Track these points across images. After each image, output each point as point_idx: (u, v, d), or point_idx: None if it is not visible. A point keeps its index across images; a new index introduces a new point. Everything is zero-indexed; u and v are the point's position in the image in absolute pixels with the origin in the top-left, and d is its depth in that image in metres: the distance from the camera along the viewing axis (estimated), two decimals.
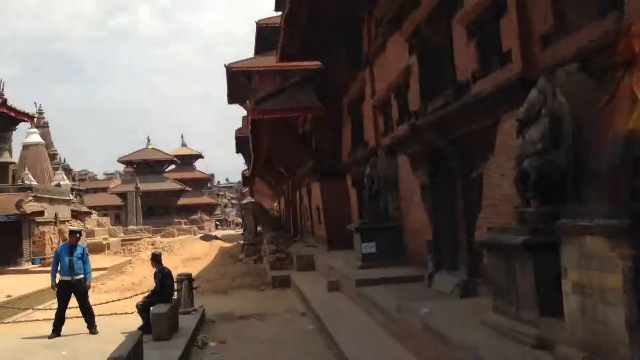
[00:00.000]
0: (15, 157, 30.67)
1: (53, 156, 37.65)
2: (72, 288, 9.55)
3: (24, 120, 28.15)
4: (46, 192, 25.99)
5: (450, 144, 8.24)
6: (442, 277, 8.44)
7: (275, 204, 40.71)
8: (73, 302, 9.61)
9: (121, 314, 11.00)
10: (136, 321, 9.14)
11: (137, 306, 9.21)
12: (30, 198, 22.95)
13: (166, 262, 10.89)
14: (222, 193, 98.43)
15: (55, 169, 35.25)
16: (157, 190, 64.92)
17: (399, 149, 11.11)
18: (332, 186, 17.40)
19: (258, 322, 10.43)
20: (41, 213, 23.11)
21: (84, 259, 9.72)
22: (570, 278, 3.88)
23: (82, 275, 9.64)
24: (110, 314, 10.91)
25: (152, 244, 33.81)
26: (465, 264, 7.92)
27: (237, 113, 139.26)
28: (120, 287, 17.63)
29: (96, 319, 9.77)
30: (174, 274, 10.09)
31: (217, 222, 76.96)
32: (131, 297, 11.95)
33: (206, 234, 52.86)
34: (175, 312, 9.05)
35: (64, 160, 43.60)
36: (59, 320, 9.40)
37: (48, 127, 39.53)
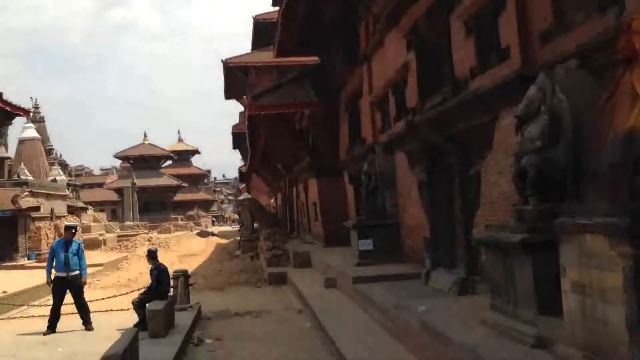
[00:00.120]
0: (11, 152, 30.57)
1: (49, 151, 37.57)
2: (67, 284, 9.48)
3: (20, 115, 28.00)
4: (42, 187, 25.89)
5: (448, 140, 8.21)
6: (439, 274, 8.41)
7: (272, 201, 40.69)
8: (68, 298, 9.55)
9: (117, 310, 10.95)
10: (132, 318, 9.09)
11: (132, 303, 9.17)
12: (26, 193, 22.86)
13: (162, 258, 10.82)
14: (218, 189, 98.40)
15: (52, 164, 35.15)
16: (154, 186, 64.82)
17: (396, 145, 11.08)
18: (329, 183, 17.37)
19: (254, 319, 10.40)
20: (37, 208, 23.02)
21: (79, 254, 9.64)
22: (570, 277, 3.85)
23: (77, 272, 9.57)
24: (106, 311, 10.85)
25: (149, 240, 33.79)
26: (463, 261, 7.90)
27: (235, 109, 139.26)
28: (116, 283, 17.59)
29: (92, 315, 9.69)
30: (170, 271, 10.03)
31: (214, 219, 76.89)
32: (127, 293, 11.89)
33: (203, 230, 52.79)
34: (171, 308, 9.01)
35: (60, 156, 43.56)
36: (55, 316, 9.34)
37: (44, 122, 39.45)
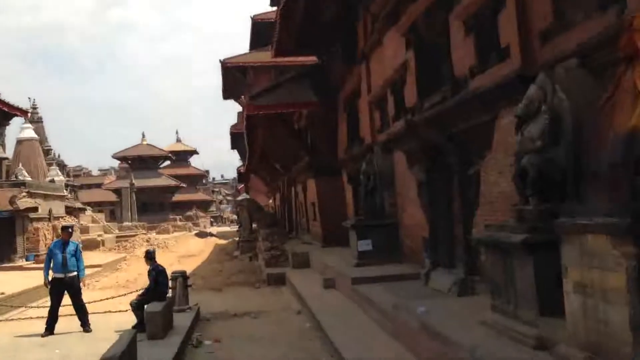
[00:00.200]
0: (9, 153, 30.49)
1: (47, 151, 37.53)
2: (65, 285, 9.44)
3: (18, 115, 27.95)
4: (40, 187, 25.82)
5: (447, 140, 8.18)
6: (439, 275, 8.38)
7: (271, 201, 40.64)
8: (66, 299, 9.51)
9: (115, 311, 10.88)
10: (130, 319, 9.04)
11: (131, 304, 9.12)
12: (24, 194, 22.79)
13: (161, 259, 10.79)
14: (217, 189, 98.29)
15: (50, 165, 35.11)
16: (152, 187, 64.83)
17: (395, 145, 11.04)
18: (327, 183, 17.34)
19: (253, 320, 10.37)
20: (35, 209, 22.96)
21: (77, 255, 9.59)
22: (571, 277, 3.82)
23: (75, 273, 9.52)
24: (104, 312, 10.80)
25: (147, 241, 33.74)
26: (462, 261, 7.87)
27: (233, 109, 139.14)
28: (114, 284, 17.55)
29: (90, 316, 9.66)
30: (169, 271, 10.00)
31: (212, 219, 76.81)
32: (125, 294, 11.85)
33: (201, 230, 52.80)
34: (169, 310, 8.97)
35: (58, 156, 43.56)
36: (52, 318, 9.29)
37: (42, 122, 39.38)
